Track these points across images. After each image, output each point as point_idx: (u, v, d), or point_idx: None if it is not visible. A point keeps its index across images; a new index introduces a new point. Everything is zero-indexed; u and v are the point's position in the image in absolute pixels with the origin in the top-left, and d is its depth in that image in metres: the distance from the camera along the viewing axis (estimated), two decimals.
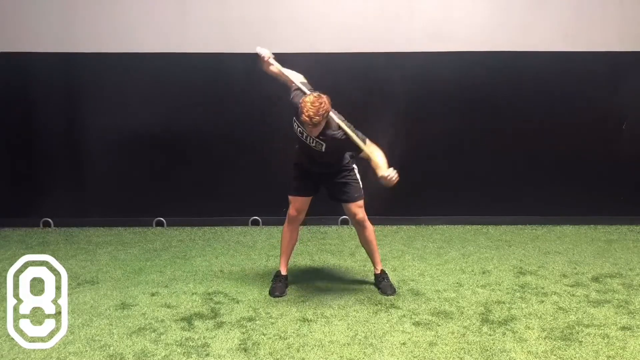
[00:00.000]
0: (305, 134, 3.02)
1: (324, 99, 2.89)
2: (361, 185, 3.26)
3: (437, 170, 4.73)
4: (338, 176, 3.21)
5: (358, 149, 3.02)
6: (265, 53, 3.24)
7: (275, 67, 3.24)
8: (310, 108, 2.84)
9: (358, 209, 3.23)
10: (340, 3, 4.58)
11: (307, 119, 2.85)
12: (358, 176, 3.26)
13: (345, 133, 2.98)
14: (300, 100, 2.92)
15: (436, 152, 4.72)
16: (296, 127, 3.07)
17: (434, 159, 4.73)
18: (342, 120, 3.01)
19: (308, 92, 3.03)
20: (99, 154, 4.74)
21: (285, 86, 3.22)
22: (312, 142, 3.03)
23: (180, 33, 4.55)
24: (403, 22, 4.56)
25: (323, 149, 3.04)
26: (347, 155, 3.23)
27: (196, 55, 4.56)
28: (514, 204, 4.74)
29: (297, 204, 3.24)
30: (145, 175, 4.76)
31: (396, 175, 2.94)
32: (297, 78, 3.17)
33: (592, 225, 4.65)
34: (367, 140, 3.04)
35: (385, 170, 2.94)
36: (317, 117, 2.85)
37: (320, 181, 3.26)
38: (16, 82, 4.63)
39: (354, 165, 3.26)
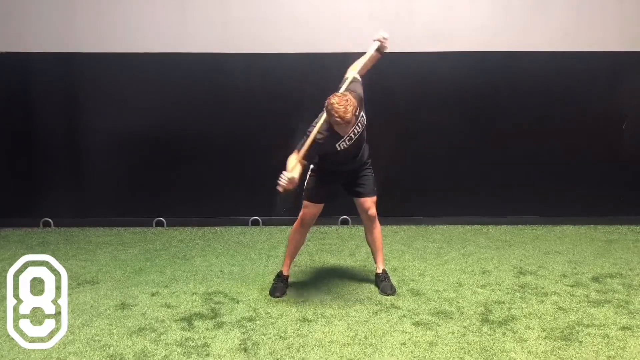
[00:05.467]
0: (341, 145, 3.00)
1: (348, 95, 2.88)
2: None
3: (437, 170, 4.73)
4: (360, 171, 3.24)
5: (356, 78, 3.15)
6: (285, 180, 2.86)
7: (298, 159, 2.96)
8: (339, 109, 2.81)
9: (372, 203, 3.25)
10: (340, 3, 4.58)
11: (339, 119, 2.82)
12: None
13: (348, 85, 3.05)
14: (326, 104, 2.87)
15: (436, 152, 4.72)
16: (331, 149, 3.01)
17: (434, 159, 4.73)
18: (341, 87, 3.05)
19: (319, 121, 2.98)
20: (99, 153, 4.74)
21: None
22: (353, 137, 3.02)
23: (180, 33, 4.55)
24: (403, 22, 4.55)
25: (364, 124, 3.05)
26: (366, 147, 3.24)
27: (196, 55, 4.55)
28: (514, 204, 4.74)
29: (314, 210, 3.24)
30: (145, 175, 4.76)
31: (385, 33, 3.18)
32: (311, 135, 2.97)
33: (592, 225, 4.65)
34: (353, 65, 3.22)
35: (377, 39, 3.18)
36: (348, 115, 2.82)
37: (339, 181, 3.25)
38: (16, 82, 4.63)
39: (370, 160, 3.29)
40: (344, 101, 2.83)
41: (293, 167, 2.92)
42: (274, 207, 3.22)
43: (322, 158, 3.14)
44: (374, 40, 3.22)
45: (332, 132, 2.97)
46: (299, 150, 2.97)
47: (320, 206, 3.24)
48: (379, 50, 3.24)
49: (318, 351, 2.60)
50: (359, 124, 3.03)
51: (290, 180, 2.86)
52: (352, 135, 3.03)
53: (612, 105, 4.68)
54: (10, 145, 4.73)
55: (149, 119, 4.67)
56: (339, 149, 3.05)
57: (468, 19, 4.57)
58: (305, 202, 3.25)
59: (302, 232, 3.32)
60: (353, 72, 3.18)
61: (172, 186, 4.74)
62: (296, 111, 4.52)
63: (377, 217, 3.29)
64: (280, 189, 2.88)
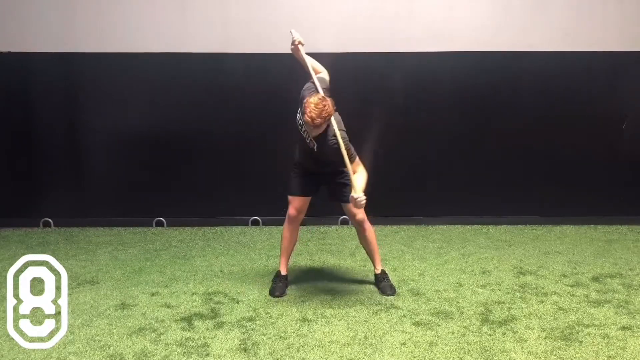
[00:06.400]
0: (304, 129, 3.03)
1: (328, 102, 2.88)
2: None
3: (437, 170, 4.73)
4: (338, 176, 3.20)
5: (343, 163, 2.98)
6: (297, 37, 3.19)
7: (302, 55, 3.21)
8: (314, 110, 2.83)
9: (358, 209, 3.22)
10: (340, 3, 4.57)
11: (308, 119, 2.84)
12: None
13: (337, 144, 2.95)
14: (305, 100, 2.91)
15: (436, 152, 4.72)
16: (298, 119, 3.07)
17: (434, 158, 4.73)
18: (341, 130, 3.00)
19: (320, 90, 3.01)
20: (99, 153, 4.74)
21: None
22: (308, 139, 3.05)
23: (180, 33, 4.55)
24: (403, 22, 4.55)
25: (315, 148, 3.05)
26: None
27: (196, 55, 4.55)
28: (514, 204, 4.74)
29: (297, 204, 3.24)
30: (145, 175, 4.76)
31: (364, 201, 2.94)
32: (318, 71, 3.17)
33: (592, 225, 4.65)
34: (357, 159, 3.04)
35: (358, 192, 2.93)
36: (318, 120, 2.84)
37: (320, 181, 3.26)
38: (16, 82, 4.63)
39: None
40: (321, 105, 2.84)
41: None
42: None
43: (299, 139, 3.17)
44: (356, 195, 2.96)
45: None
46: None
47: (303, 199, 3.24)
48: (353, 203, 2.99)
49: (318, 351, 2.60)
50: (326, 145, 2.99)
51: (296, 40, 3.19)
52: (313, 145, 3.03)
53: (612, 105, 4.68)
54: (10, 145, 4.73)
55: (149, 119, 4.67)
56: (299, 120, 3.06)
57: (468, 19, 4.57)
58: (289, 197, 3.26)
59: (291, 228, 3.30)
60: (357, 166, 3.05)
61: (172, 186, 4.74)
62: (296, 111, 4.51)
63: (365, 220, 3.25)
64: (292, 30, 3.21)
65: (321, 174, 3.23)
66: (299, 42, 3.18)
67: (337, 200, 3.26)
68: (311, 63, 3.18)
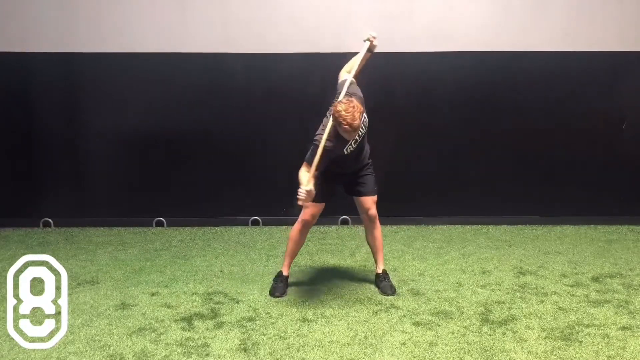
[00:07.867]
0: (348, 149, 3.01)
1: (353, 101, 2.87)
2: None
3: (437, 170, 4.73)
4: (361, 171, 3.23)
5: (352, 80, 3.13)
6: (307, 189, 2.85)
7: (311, 174, 2.91)
8: (346, 116, 2.79)
9: (372, 203, 3.24)
10: (341, 3, 4.58)
11: (348, 127, 2.81)
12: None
13: (347, 88, 3.05)
14: (333, 112, 2.86)
15: (436, 152, 4.72)
16: (340, 154, 3.00)
17: (434, 159, 4.73)
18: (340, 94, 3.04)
19: (328, 127, 2.92)
20: (99, 154, 4.74)
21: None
22: (358, 139, 3.03)
23: (180, 33, 4.55)
24: (403, 22, 4.55)
25: (367, 125, 3.06)
26: (367, 147, 3.24)
27: (196, 55, 4.56)
28: (514, 204, 4.74)
29: (314, 210, 3.22)
30: (145, 175, 4.76)
31: (374, 32, 3.18)
32: (320, 145, 2.93)
33: (592, 225, 4.65)
34: (346, 67, 3.26)
35: (367, 39, 3.17)
36: (356, 122, 2.82)
37: (339, 182, 3.25)
38: (16, 82, 4.63)
39: (370, 159, 3.29)
40: (350, 108, 2.81)
41: (307, 181, 2.89)
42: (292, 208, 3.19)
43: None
44: (364, 41, 3.22)
45: (339, 138, 2.95)
46: (308, 163, 2.94)
47: (321, 206, 3.23)
48: (370, 50, 3.24)
49: (318, 351, 2.60)
50: (363, 124, 3.03)
51: (309, 193, 2.87)
52: (357, 138, 3.03)
53: (612, 105, 4.68)
54: (10, 145, 4.73)
55: (148, 119, 4.67)
56: (346, 152, 3.05)
57: (468, 19, 4.57)
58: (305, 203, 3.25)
59: (303, 232, 3.30)
60: (347, 74, 3.17)
61: (172, 186, 4.74)
62: (296, 111, 4.53)
63: (377, 217, 3.28)
64: (300, 202, 2.92)
65: (346, 174, 3.22)
66: (308, 183, 2.86)
67: (354, 194, 3.27)
68: (315, 158, 2.92)
